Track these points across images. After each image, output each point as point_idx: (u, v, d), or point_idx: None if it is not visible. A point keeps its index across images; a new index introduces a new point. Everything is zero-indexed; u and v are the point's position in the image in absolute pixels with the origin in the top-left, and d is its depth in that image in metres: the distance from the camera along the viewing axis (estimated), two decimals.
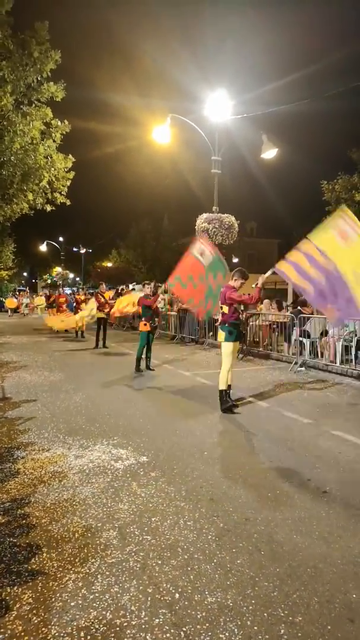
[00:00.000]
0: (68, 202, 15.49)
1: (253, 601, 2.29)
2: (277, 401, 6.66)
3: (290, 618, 2.18)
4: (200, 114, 14.23)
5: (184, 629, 2.10)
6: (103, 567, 2.55)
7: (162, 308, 15.29)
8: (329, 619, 2.18)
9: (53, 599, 2.29)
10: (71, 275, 55.50)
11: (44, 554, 2.67)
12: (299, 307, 10.46)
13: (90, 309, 13.08)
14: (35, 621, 2.13)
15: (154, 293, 9.15)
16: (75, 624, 2.12)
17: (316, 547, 2.81)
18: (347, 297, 4.72)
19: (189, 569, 2.55)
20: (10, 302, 32.08)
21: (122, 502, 3.35)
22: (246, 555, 2.69)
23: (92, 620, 2.14)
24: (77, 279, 58.20)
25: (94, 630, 2.08)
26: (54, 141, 14.24)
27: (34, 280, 71.45)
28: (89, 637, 2.04)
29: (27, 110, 13.28)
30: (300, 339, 9.73)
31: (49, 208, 15.44)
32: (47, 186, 14.64)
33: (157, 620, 2.15)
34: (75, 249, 50.12)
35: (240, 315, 6.27)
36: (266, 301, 12.50)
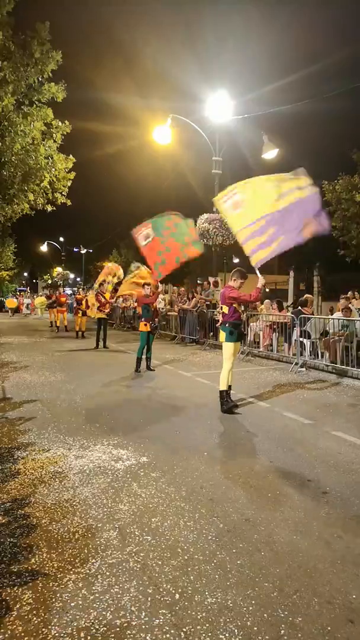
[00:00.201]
0: (69, 203, 15.50)
1: (253, 602, 2.29)
2: (277, 402, 6.66)
3: (291, 619, 2.18)
4: (201, 115, 14.26)
5: (184, 630, 2.10)
6: (103, 568, 2.56)
7: (162, 309, 15.31)
8: (329, 619, 2.18)
9: (53, 600, 2.29)
10: (72, 276, 55.45)
11: (44, 555, 2.67)
12: (299, 308, 10.46)
13: (92, 304, 13.15)
14: (36, 621, 2.13)
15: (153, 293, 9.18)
16: (75, 624, 2.12)
17: (316, 547, 2.81)
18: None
19: (189, 569, 2.56)
20: (11, 302, 32.13)
21: (123, 502, 3.35)
22: (246, 556, 2.69)
23: (92, 621, 2.14)
24: (78, 279, 58.19)
25: (94, 630, 2.08)
26: (54, 141, 14.26)
27: (34, 281, 71.45)
28: (89, 638, 2.04)
29: (28, 110, 13.29)
30: (301, 339, 9.73)
31: (49, 208, 15.45)
32: (48, 186, 14.65)
33: (157, 620, 2.15)
34: (75, 249, 50.14)
35: (242, 315, 6.27)
36: (266, 302, 12.50)
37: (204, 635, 2.06)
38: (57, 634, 2.06)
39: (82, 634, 2.06)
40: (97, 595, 2.33)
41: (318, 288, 21.79)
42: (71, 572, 2.51)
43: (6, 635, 2.05)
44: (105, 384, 7.79)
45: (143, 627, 2.11)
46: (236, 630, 2.09)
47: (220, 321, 6.37)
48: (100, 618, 2.16)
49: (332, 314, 12.98)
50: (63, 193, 15.21)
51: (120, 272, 13.20)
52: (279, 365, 10.06)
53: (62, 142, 14.47)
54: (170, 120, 13.49)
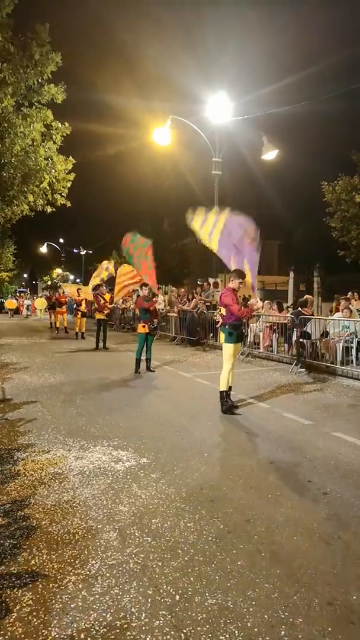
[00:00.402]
0: (68, 204, 15.50)
1: (253, 603, 2.29)
2: (277, 402, 6.65)
3: (291, 620, 2.17)
4: (200, 116, 14.28)
5: (184, 631, 2.09)
6: (103, 569, 2.55)
7: (161, 309, 15.30)
8: (330, 620, 2.17)
9: (53, 601, 2.28)
10: (71, 277, 55.48)
11: (44, 556, 2.67)
12: (299, 308, 10.45)
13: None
14: (36, 623, 2.13)
15: (153, 295, 9.20)
16: (75, 625, 2.11)
17: (317, 548, 2.80)
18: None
19: (189, 570, 2.55)
20: (10, 304, 32.14)
21: (123, 503, 3.35)
22: (246, 557, 2.69)
23: (92, 622, 2.13)
24: (78, 280, 58.21)
25: (94, 632, 2.08)
26: (54, 143, 14.25)
27: (34, 282, 71.49)
28: (89, 639, 2.03)
29: (27, 112, 13.29)
30: (301, 340, 9.72)
31: (49, 209, 15.45)
32: (48, 188, 14.64)
33: (158, 622, 2.15)
34: (75, 250, 50.15)
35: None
36: (266, 302, 12.50)
37: (204, 636, 2.06)
38: (57, 636, 2.05)
39: (82, 636, 2.05)
40: (97, 596, 2.32)
41: (318, 289, 21.80)
42: (71, 574, 2.50)
43: (6, 637, 2.04)
44: (105, 385, 7.78)
45: (143, 628, 2.10)
46: (236, 632, 2.09)
47: (220, 322, 6.37)
48: (100, 619, 2.15)
49: (331, 315, 12.97)
50: (63, 194, 15.19)
51: (111, 266, 13.39)
52: (279, 366, 10.06)
53: (62, 143, 14.46)
54: (170, 122, 13.51)
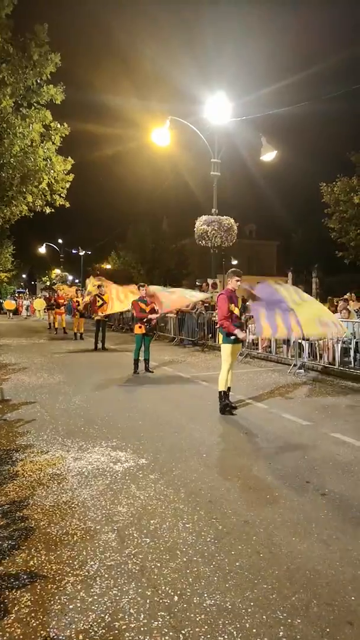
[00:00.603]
0: (67, 204, 15.50)
1: (252, 603, 2.29)
2: (276, 403, 6.65)
3: (289, 620, 2.17)
4: (199, 117, 14.30)
5: (183, 632, 2.09)
6: (102, 570, 2.55)
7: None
8: (328, 621, 2.18)
9: (52, 602, 2.28)
10: (70, 277, 55.44)
11: (43, 557, 2.66)
12: None
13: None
14: (34, 624, 2.13)
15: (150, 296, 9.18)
16: (73, 626, 2.11)
17: (315, 549, 2.80)
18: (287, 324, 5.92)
19: (188, 571, 2.55)
20: (9, 304, 32.08)
21: (121, 504, 3.35)
22: (245, 558, 2.69)
23: (90, 623, 2.13)
24: (77, 280, 58.16)
25: (92, 633, 2.08)
26: (53, 143, 14.25)
27: (33, 282, 71.41)
28: None
29: (26, 112, 13.29)
30: (300, 341, 9.73)
31: (48, 210, 15.44)
32: (47, 188, 14.64)
33: (156, 623, 2.15)
34: (74, 251, 50.09)
35: (241, 317, 6.30)
36: None
37: (202, 637, 2.06)
38: (55, 637, 2.05)
39: (80, 637, 2.05)
40: (95, 597, 2.32)
41: (317, 289, 21.84)
42: (70, 575, 2.50)
43: (5, 638, 2.04)
44: (103, 385, 7.78)
45: (142, 629, 2.10)
46: (235, 632, 2.09)
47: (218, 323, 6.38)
48: (99, 620, 2.15)
49: None
50: (61, 195, 15.19)
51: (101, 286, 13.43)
52: (278, 366, 10.07)
53: (60, 144, 14.46)
54: (169, 122, 13.52)
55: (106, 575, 2.50)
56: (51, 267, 57.17)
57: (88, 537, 2.88)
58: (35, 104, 13.48)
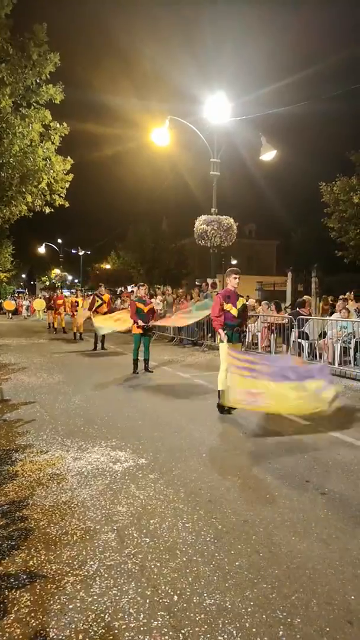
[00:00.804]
0: (67, 204, 15.48)
1: (252, 603, 2.29)
2: None
3: (289, 620, 2.18)
4: (199, 116, 14.27)
5: (183, 632, 2.09)
6: (101, 570, 2.55)
7: (159, 310, 15.30)
8: (328, 620, 2.18)
9: (51, 602, 2.28)
10: (69, 277, 55.44)
11: (42, 557, 2.66)
12: (297, 309, 10.47)
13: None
14: (34, 624, 2.13)
15: (150, 296, 9.19)
16: (73, 626, 2.11)
17: (315, 548, 2.80)
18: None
19: (188, 571, 2.55)
20: (8, 305, 32.04)
21: (121, 504, 3.35)
22: (245, 557, 2.69)
23: (90, 623, 2.13)
24: (76, 280, 58.14)
25: (92, 632, 2.08)
26: (52, 143, 14.23)
27: (32, 282, 71.43)
28: None
29: (26, 112, 13.27)
30: (299, 340, 9.74)
31: (47, 210, 15.43)
32: (46, 188, 14.62)
33: (156, 622, 2.15)
34: (73, 251, 50.09)
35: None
36: (264, 303, 12.51)
37: (202, 637, 2.06)
38: (55, 637, 2.05)
39: (80, 636, 2.05)
40: (95, 597, 2.32)
41: (316, 289, 21.81)
42: (69, 574, 2.50)
43: (4, 638, 2.04)
44: (103, 385, 7.78)
45: (141, 629, 2.10)
46: (235, 632, 2.09)
47: None
48: (99, 620, 2.15)
49: (329, 315, 12.99)
50: (61, 195, 15.18)
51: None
52: None
53: (60, 143, 14.45)
54: (168, 122, 13.50)
55: (106, 575, 2.50)
56: (51, 267, 57.20)
57: (88, 537, 2.88)
58: (34, 104, 13.46)
